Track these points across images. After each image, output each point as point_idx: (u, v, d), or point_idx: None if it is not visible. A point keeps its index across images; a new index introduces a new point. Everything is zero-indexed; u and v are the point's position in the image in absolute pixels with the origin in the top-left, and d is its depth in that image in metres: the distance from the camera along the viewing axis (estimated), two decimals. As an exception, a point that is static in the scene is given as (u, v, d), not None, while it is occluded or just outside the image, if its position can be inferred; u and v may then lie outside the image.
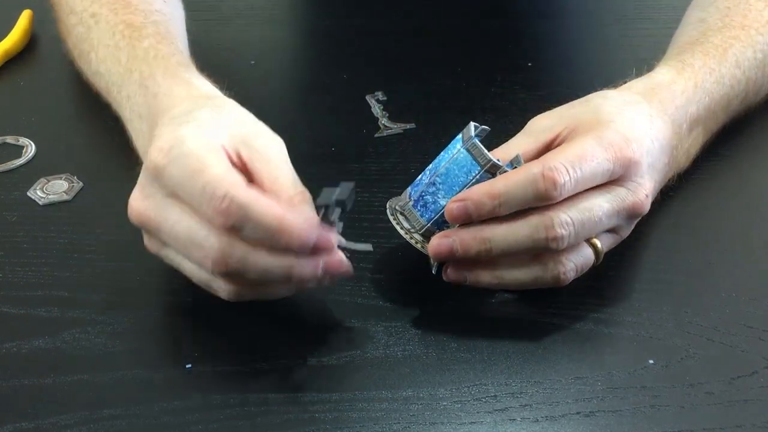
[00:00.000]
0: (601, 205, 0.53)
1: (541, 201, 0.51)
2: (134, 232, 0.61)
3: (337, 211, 0.50)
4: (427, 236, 0.53)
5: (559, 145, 0.55)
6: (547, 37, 0.86)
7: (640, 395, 0.50)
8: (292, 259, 0.49)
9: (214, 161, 0.50)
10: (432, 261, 0.53)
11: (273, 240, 0.48)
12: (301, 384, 0.50)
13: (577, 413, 0.49)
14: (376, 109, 0.74)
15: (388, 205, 0.55)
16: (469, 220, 0.52)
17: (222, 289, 0.51)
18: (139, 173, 0.53)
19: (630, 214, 0.55)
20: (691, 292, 0.57)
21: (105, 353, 0.52)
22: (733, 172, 0.68)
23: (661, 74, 0.63)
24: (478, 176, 0.51)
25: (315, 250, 0.49)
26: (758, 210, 0.64)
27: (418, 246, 0.54)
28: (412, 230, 0.54)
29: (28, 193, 0.64)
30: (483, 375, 0.51)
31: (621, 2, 0.93)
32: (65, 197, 0.64)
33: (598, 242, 0.54)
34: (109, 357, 0.52)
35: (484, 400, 0.50)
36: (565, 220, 0.52)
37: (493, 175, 0.52)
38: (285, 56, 0.85)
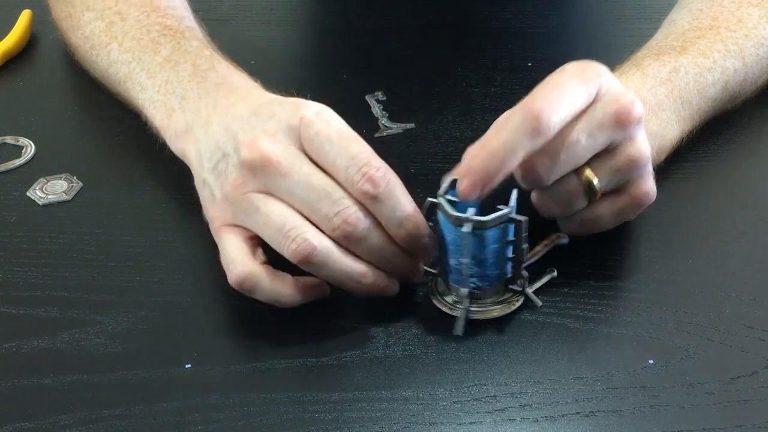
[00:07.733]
0: (577, 127, 0.52)
1: (536, 139, 0.50)
2: (134, 232, 0.61)
3: None
4: (455, 293, 0.54)
5: None
6: (547, 37, 0.86)
7: (640, 395, 0.50)
8: (399, 254, 0.52)
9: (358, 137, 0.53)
10: (456, 322, 0.53)
11: (403, 222, 0.51)
12: (301, 384, 0.50)
13: (577, 413, 0.49)
14: (376, 109, 0.74)
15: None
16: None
17: (311, 237, 0.50)
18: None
19: (617, 120, 0.52)
20: (691, 292, 0.57)
21: (104, 353, 0.52)
22: (733, 171, 0.68)
23: None
24: (453, 231, 0.51)
25: (419, 251, 0.53)
26: (758, 209, 0.64)
27: (445, 309, 0.54)
28: (444, 293, 0.55)
29: (28, 193, 0.64)
30: (482, 375, 0.51)
31: (621, 2, 0.93)
32: (65, 197, 0.64)
33: (589, 172, 0.53)
34: (108, 357, 0.52)
35: (483, 400, 0.50)
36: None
37: (467, 227, 0.51)
38: (285, 56, 0.85)
